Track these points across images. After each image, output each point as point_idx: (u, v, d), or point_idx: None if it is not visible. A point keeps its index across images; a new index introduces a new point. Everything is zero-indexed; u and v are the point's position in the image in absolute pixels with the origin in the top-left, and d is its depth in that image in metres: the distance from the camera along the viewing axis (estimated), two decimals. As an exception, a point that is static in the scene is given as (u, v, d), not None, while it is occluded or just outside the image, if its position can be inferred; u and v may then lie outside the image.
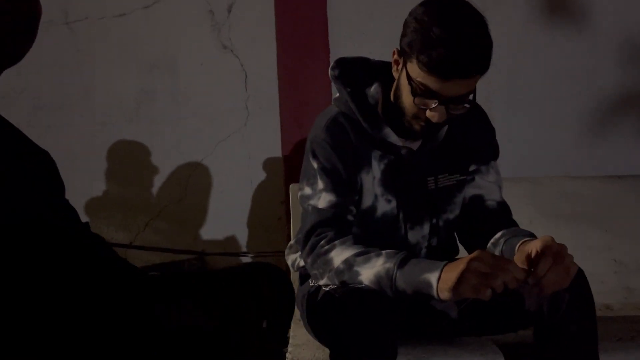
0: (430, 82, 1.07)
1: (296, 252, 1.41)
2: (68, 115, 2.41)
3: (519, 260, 1.03)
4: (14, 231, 0.76)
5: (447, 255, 1.33)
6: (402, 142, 1.22)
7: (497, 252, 1.18)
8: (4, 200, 0.77)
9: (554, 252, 1.00)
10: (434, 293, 1.01)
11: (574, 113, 2.40)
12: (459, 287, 0.97)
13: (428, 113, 1.11)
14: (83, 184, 2.40)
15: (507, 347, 1.26)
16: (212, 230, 2.49)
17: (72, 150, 2.40)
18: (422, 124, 1.14)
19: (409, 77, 1.11)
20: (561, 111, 2.39)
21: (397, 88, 1.17)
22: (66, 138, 2.40)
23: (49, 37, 2.32)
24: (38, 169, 0.84)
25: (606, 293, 1.75)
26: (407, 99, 1.13)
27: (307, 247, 1.17)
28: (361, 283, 1.08)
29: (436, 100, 1.09)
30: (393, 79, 1.19)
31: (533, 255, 1.02)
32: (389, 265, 1.06)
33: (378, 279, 1.06)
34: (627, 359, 1.25)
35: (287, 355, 1.26)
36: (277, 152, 2.45)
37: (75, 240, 0.82)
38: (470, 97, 1.12)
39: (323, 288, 1.15)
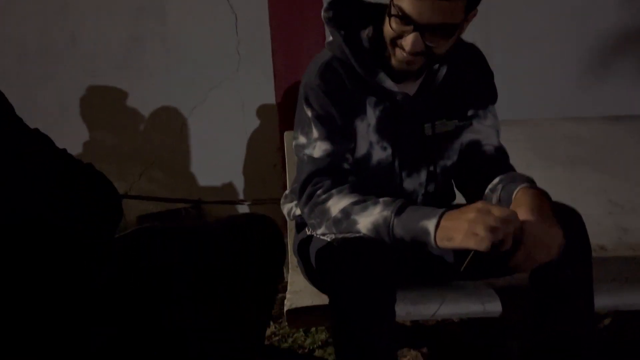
0: (407, 4, 1.04)
1: (291, 201, 1.40)
2: (55, 64, 2.35)
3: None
4: (14, 231, 0.75)
5: (444, 202, 1.32)
6: (398, 87, 1.19)
7: (494, 199, 1.17)
8: (3, 200, 0.75)
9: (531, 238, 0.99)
10: (431, 240, 1.00)
11: (574, 54, 2.35)
12: (459, 237, 0.96)
13: (403, 41, 1.08)
14: (74, 134, 2.37)
15: (503, 291, 1.27)
16: (207, 178, 2.48)
17: (61, 100, 2.35)
18: (400, 58, 1.11)
19: (391, 2, 1.08)
20: (561, 52, 2.34)
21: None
22: (55, 88, 2.34)
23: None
24: (36, 165, 0.82)
25: (601, 234, 1.76)
26: (386, 26, 1.11)
27: (304, 197, 1.16)
28: (359, 232, 1.08)
29: (412, 26, 1.05)
30: None
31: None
32: (386, 213, 1.06)
33: (376, 227, 1.06)
34: (621, 299, 1.27)
35: (286, 302, 1.28)
36: (270, 98, 2.41)
37: (74, 240, 0.81)
38: (452, 32, 1.08)
39: (320, 237, 1.15)
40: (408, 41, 1.07)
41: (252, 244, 0.94)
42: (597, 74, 2.35)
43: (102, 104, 2.40)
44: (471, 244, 0.96)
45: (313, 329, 1.84)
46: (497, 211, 0.97)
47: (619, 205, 1.83)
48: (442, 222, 1.00)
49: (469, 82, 1.25)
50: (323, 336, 1.82)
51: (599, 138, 1.85)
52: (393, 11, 1.07)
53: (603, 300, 1.20)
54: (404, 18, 1.06)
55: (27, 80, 2.26)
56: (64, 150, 0.91)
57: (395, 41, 1.11)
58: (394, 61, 1.13)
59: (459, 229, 0.97)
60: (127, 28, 2.36)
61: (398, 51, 1.11)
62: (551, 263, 1.12)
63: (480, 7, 1.11)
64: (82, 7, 2.34)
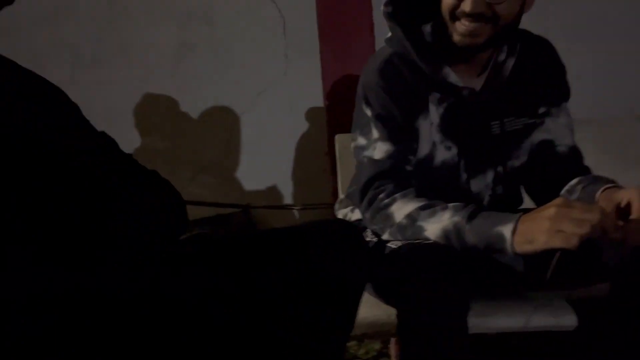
0: None
1: (347, 206, 1.35)
2: (107, 71, 2.38)
3: (606, 208, 0.94)
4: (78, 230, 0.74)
5: (511, 205, 1.25)
6: (463, 82, 1.12)
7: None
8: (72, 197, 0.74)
9: None
10: (508, 246, 0.93)
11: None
12: (543, 237, 0.88)
13: (463, 4, 1.02)
14: (125, 140, 2.37)
15: (578, 303, 1.18)
16: (256, 183, 2.47)
17: (114, 106, 2.38)
18: (462, 30, 1.04)
19: None
20: (629, 46, 2.20)
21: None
22: (107, 95, 2.38)
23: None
24: (106, 167, 0.81)
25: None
26: (444, 0, 1.05)
27: (365, 201, 1.10)
28: (427, 238, 1.02)
29: None
30: None
31: (624, 204, 0.92)
32: (457, 219, 0.99)
33: (446, 234, 0.99)
34: None
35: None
36: (319, 101, 2.38)
37: (141, 247, 0.79)
38: None
39: (385, 244, 1.09)
40: (468, 1, 1.01)
41: (338, 252, 0.89)
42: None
43: (153, 110, 2.42)
44: (557, 242, 0.87)
45: (366, 340, 1.78)
46: (580, 205, 0.88)
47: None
48: (520, 226, 0.92)
49: (539, 77, 1.17)
50: (377, 346, 1.76)
51: (675, 137, 1.72)
52: None
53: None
54: None
55: (80, 87, 2.30)
56: (130, 155, 0.90)
57: (454, 13, 1.04)
58: (456, 37, 1.06)
59: (540, 229, 0.89)
60: (176, 34, 2.37)
61: (459, 24, 1.05)
62: (637, 274, 1.03)
63: (537, 4, 1.05)
64: (133, 15, 2.36)
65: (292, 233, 0.90)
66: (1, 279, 0.71)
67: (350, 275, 0.89)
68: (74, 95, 0.92)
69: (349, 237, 0.90)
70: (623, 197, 0.93)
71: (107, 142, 0.87)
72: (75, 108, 0.87)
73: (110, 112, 2.36)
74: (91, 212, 0.77)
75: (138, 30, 2.36)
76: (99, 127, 0.95)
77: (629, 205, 0.92)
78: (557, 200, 0.91)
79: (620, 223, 0.91)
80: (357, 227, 0.95)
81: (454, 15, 1.05)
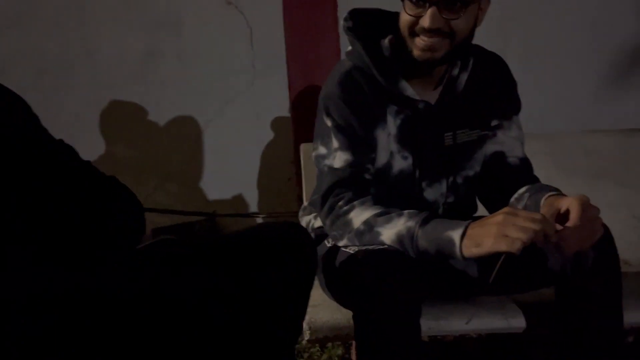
0: None
1: (310, 213, 1.38)
2: (73, 77, 2.36)
3: (547, 214, 1.00)
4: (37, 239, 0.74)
5: (465, 213, 1.30)
6: (419, 95, 1.17)
7: (520, 207, 1.15)
8: (28, 207, 0.74)
9: (588, 215, 0.97)
10: (457, 250, 0.98)
11: (593, 65, 2.32)
12: (490, 241, 0.93)
13: (421, 21, 1.06)
14: (90, 146, 2.37)
15: (527, 306, 1.24)
16: (222, 191, 2.47)
17: (78, 112, 2.36)
18: (421, 45, 1.08)
19: None
20: (579, 63, 2.31)
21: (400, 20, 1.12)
22: (72, 100, 2.35)
23: (49, -5, 2.26)
24: (63, 176, 0.81)
25: (625, 249, 1.72)
26: (402, 17, 1.09)
27: (325, 208, 1.14)
28: (382, 243, 1.06)
29: (427, 3, 1.05)
30: None
31: (563, 210, 0.98)
32: (410, 223, 1.03)
33: (399, 238, 1.04)
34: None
35: (305, 316, 1.25)
36: (285, 111, 2.40)
37: (98, 251, 0.80)
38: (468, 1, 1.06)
39: (342, 249, 1.13)
40: (426, 18, 1.05)
41: (285, 253, 0.92)
42: (617, 86, 2.31)
43: (118, 117, 2.41)
44: (502, 246, 0.92)
45: (329, 344, 1.81)
46: (524, 213, 0.94)
47: (643, 219, 1.79)
48: (469, 231, 0.98)
49: (492, 91, 1.23)
50: (340, 351, 1.79)
51: (620, 151, 1.81)
52: None
53: (627, 317, 1.16)
54: None
55: (45, 93, 2.28)
56: (88, 162, 0.90)
57: (413, 29, 1.09)
58: (416, 52, 1.10)
59: (487, 234, 0.94)
60: (143, 41, 2.36)
61: (418, 40, 1.09)
62: (579, 279, 1.09)
63: (496, 19, 1.10)
64: (99, 20, 2.35)
65: (248, 234, 0.94)
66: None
67: (300, 277, 0.93)
68: (37, 100, 0.92)
69: (298, 238, 0.94)
70: (563, 204, 1.00)
71: (65, 150, 0.88)
72: (34, 117, 0.87)
73: (75, 118, 2.34)
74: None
75: (105, 36, 2.35)
76: (63, 133, 0.95)
77: (568, 212, 0.98)
78: (505, 209, 0.97)
79: (559, 227, 0.97)
80: (306, 230, 0.99)
81: (413, 32, 1.09)
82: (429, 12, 1.05)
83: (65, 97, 2.34)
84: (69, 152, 0.88)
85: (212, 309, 0.85)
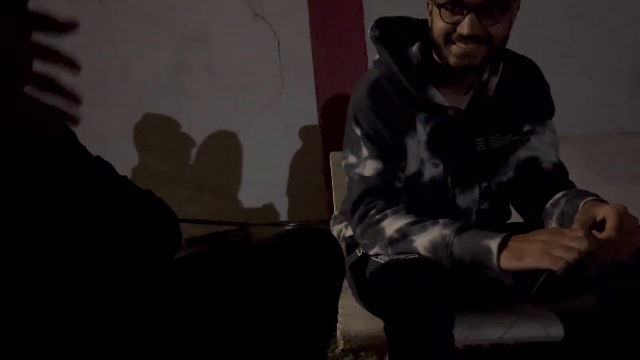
0: None
1: (341, 222, 1.38)
2: (106, 92, 2.42)
3: (581, 219, 0.98)
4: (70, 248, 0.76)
5: (499, 220, 1.28)
6: (449, 102, 1.16)
7: (556, 213, 1.12)
8: (68, 223, 0.76)
9: (625, 226, 0.94)
10: (494, 260, 0.96)
11: (627, 65, 2.26)
12: (533, 257, 0.93)
13: (459, 27, 1.05)
14: (123, 160, 2.42)
15: (565, 315, 1.21)
16: (253, 200, 2.49)
17: (111, 126, 2.42)
18: (458, 52, 1.07)
19: (435, 3, 1.07)
20: (613, 64, 2.26)
21: (432, 28, 1.11)
22: (106, 115, 2.41)
23: (82, 13, 2.32)
24: (102, 191, 0.83)
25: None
26: (437, 25, 1.08)
27: (356, 217, 1.14)
28: (416, 251, 1.05)
29: (464, 10, 1.03)
30: None
31: (599, 219, 0.96)
32: (446, 232, 1.02)
33: (434, 245, 1.03)
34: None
35: (338, 325, 1.25)
36: (313, 120, 2.41)
37: (137, 264, 0.81)
38: (505, 8, 1.05)
39: (372, 258, 1.12)
40: (465, 25, 1.04)
41: (314, 259, 0.92)
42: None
43: (151, 130, 2.46)
44: (546, 264, 0.92)
45: (363, 353, 1.79)
46: (569, 232, 0.93)
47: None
48: (510, 243, 0.96)
49: (523, 95, 1.21)
50: (373, 361, 1.77)
51: (659, 153, 1.76)
52: (440, 1, 1.06)
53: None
54: (454, 4, 1.04)
55: (79, 109, 2.34)
56: (125, 177, 0.92)
57: (449, 36, 1.08)
58: (452, 59, 1.09)
59: (531, 249, 0.93)
60: (173, 55, 2.41)
61: (455, 47, 1.08)
62: (620, 285, 1.06)
63: (525, 21, 1.09)
64: (131, 36, 2.41)
65: (278, 240, 0.94)
66: (1, 279, 0.71)
67: (328, 284, 0.92)
68: (72, 115, 0.94)
69: (327, 245, 0.93)
70: (600, 212, 0.97)
71: (103, 166, 0.90)
72: (72, 135, 0.89)
73: (108, 132, 2.40)
74: (91, 212, 0.78)
75: (136, 51, 2.41)
76: (97, 148, 0.98)
77: (604, 220, 0.96)
78: (551, 227, 0.97)
79: (597, 235, 0.95)
80: (334, 236, 0.98)
81: (449, 39, 1.08)
82: (467, 18, 1.04)
83: (99, 112, 2.40)
84: (107, 168, 0.90)
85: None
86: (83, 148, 0.89)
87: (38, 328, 0.73)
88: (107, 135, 2.40)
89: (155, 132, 2.45)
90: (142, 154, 2.48)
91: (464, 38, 1.05)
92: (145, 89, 2.42)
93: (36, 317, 0.72)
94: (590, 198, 1.06)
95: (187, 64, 2.41)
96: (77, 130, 0.94)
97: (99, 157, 0.90)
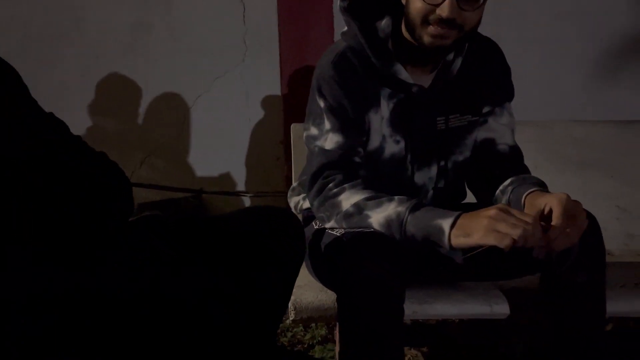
0: None
1: (299, 194, 1.37)
2: (59, 46, 2.31)
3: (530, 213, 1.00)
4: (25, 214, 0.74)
5: (454, 199, 1.30)
6: (413, 79, 1.16)
7: (504, 200, 1.15)
8: (18, 180, 0.73)
9: (569, 212, 0.97)
10: (445, 239, 0.98)
11: (584, 55, 2.32)
12: (479, 233, 0.94)
13: (438, 10, 1.05)
14: (76, 118, 2.33)
15: (511, 293, 1.25)
16: (209, 168, 2.45)
17: (64, 83, 2.32)
18: (434, 33, 1.07)
19: None
20: (571, 52, 2.31)
21: (407, 4, 1.10)
22: (58, 71, 2.31)
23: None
24: (54, 150, 0.80)
25: (608, 239, 1.74)
26: (415, 4, 1.08)
27: (314, 190, 1.13)
28: (370, 226, 1.06)
29: None
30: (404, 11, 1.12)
31: (547, 211, 0.99)
32: (400, 209, 1.03)
33: (388, 222, 1.04)
34: (631, 305, 1.25)
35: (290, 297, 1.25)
36: (276, 90, 2.38)
37: (87, 227, 0.79)
38: None
39: (329, 231, 1.13)
40: (445, 7, 1.04)
41: (276, 238, 0.92)
42: (608, 77, 2.32)
43: (106, 89, 2.37)
44: (491, 240, 0.94)
45: (313, 325, 1.82)
46: (517, 212, 0.95)
47: (627, 211, 1.81)
48: (459, 220, 0.98)
49: (485, 77, 1.23)
50: (323, 332, 1.80)
51: (610, 142, 1.82)
52: None
53: (609, 307, 1.18)
54: None
55: (30, 62, 2.23)
56: (79, 137, 0.89)
57: (427, 17, 1.08)
58: (427, 39, 1.09)
59: (478, 226, 0.95)
60: (133, 13, 2.32)
61: (431, 28, 1.08)
62: (563, 266, 1.10)
63: (490, 5, 1.10)
64: (87, -12, 2.30)
65: (233, 216, 0.93)
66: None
67: (288, 260, 0.93)
68: (23, 69, 0.90)
69: (289, 224, 0.94)
70: (545, 203, 1.00)
71: (56, 124, 0.87)
72: (24, 88, 0.85)
73: (62, 89, 2.30)
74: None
75: (93, 4, 2.30)
76: (50, 104, 0.93)
77: (551, 211, 0.99)
78: (499, 205, 0.98)
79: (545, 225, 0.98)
80: (296, 216, 0.98)
81: (426, 20, 1.08)
82: (448, 2, 1.04)
83: (51, 66, 2.29)
84: (60, 126, 0.86)
85: (212, 309, 0.85)
86: (35, 103, 0.85)
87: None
88: (61, 92, 2.30)
89: (111, 91, 2.37)
90: (96, 113, 2.39)
91: (442, 21, 1.06)
92: (101, 47, 2.33)
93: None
94: (532, 189, 1.09)
95: (146, 23, 2.33)
96: (29, 83, 0.89)
97: (51, 114, 0.87)
